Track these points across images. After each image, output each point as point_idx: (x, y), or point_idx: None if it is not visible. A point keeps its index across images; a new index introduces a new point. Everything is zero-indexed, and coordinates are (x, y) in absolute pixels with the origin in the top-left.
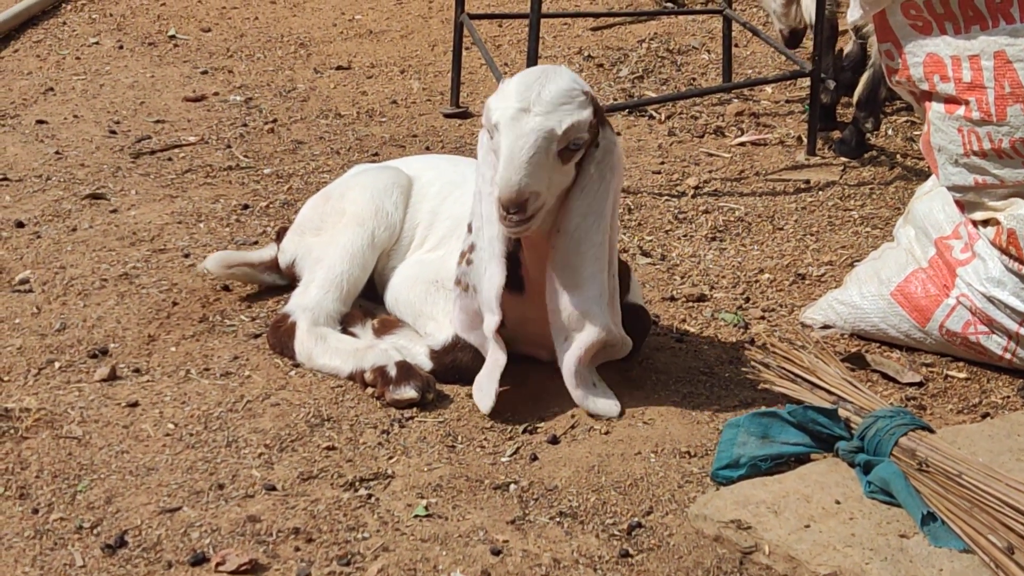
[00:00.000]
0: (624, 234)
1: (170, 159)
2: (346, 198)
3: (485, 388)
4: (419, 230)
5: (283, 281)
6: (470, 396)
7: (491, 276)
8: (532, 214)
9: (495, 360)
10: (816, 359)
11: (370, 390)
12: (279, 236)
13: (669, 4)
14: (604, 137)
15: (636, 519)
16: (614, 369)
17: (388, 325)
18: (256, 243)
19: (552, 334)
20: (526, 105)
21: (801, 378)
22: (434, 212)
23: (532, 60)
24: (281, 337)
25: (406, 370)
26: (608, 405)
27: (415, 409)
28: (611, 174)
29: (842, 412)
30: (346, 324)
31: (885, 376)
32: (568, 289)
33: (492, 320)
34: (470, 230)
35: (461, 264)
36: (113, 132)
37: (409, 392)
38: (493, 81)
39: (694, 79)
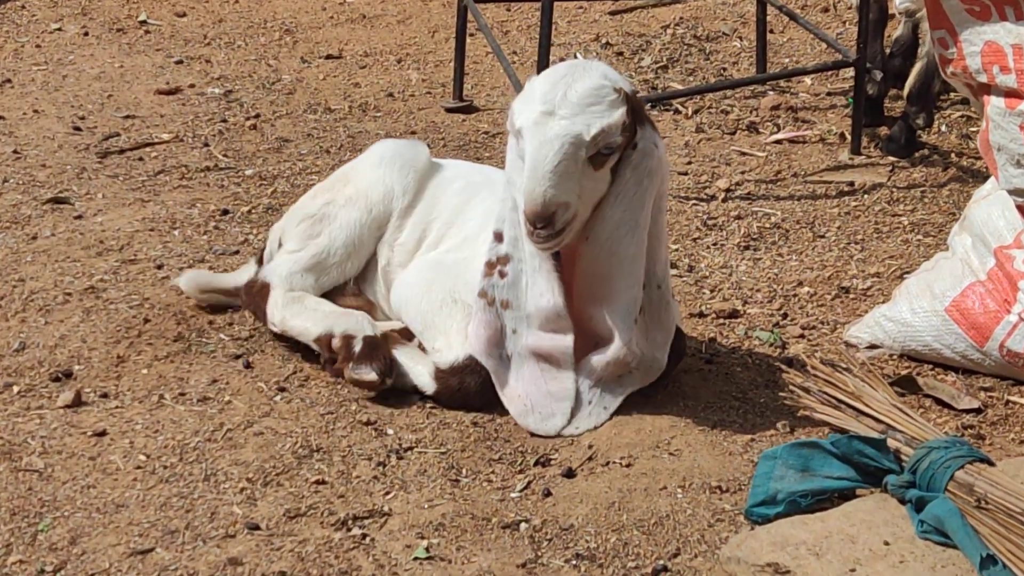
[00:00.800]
0: None
1: (141, 159)
2: (355, 167)
3: (552, 408)
4: (436, 226)
5: None
6: (475, 424)
7: (541, 292)
8: (563, 227)
9: (564, 388)
10: (862, 383)
11: (331, 366)
12: (262, 254)
13: None
14: (643, 138)
15: (661, 562)
16: (635, 393)
17: (389, 342)
18: (237, 252)
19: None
20: (550, 108)
21: (845, 404)
22: (458, 210)
23: (544, 48)
24: (255, 298)
25: (371, 348)
26: (581, 421)
27: (414, 439)
28: (649, 180)
29: (891, 442)
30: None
31: (939, 402)
32: (596, 301)
33: (565, 341)
34: (498, 239)
35: (491, 276)
36: (78, 129)
37: (369, 375)
38: (500, 72)
39: (724, 69)
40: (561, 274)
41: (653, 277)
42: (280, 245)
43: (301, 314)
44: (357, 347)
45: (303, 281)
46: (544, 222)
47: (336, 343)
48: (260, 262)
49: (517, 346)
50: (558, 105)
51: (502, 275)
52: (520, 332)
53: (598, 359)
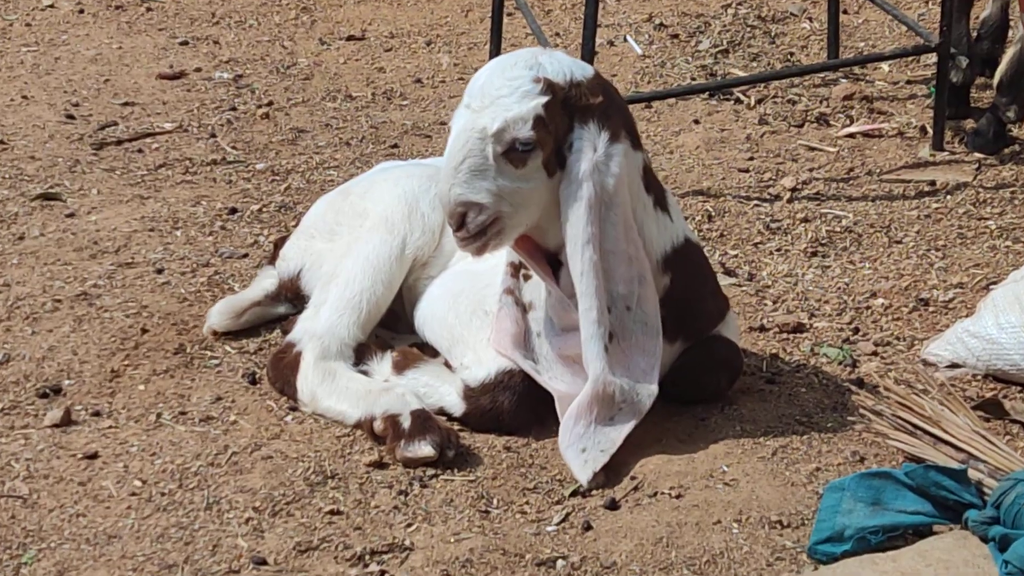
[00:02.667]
0: (703, 247)
1: (140, 151)
2: (370, 196)
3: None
4: None
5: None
6: (508, 449)
7: (549, 290)
8: (479, 231)
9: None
10: (941, 406)
11: (381, 445)
12: (274, 254)
13: None
14: (580, 138)
15: None
16: (686, 415)
17: (410, 359)
18: (246, 256)
19: None
20: (467, 100)
21: (922, 430)
22: None
23: (589, 30)
24: (283, 371)
25: (422, 421)
26: (577, 470)
27: (437, 467)
28: (581, 187)
29: (972, 473)
30: (358, 358)
31: None
32: (573, 326)
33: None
34: None
35: (515, 278)
36: (71, 117)
37: (424, 449)
38: None
39: (792, 54)
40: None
41: (617, 298)
42: (298, 273)
43: (334, 394)
44: (405, 424)
45: (343, 334)
46: (457, 224)
47: (379, 426)
48: (273, 257)
49: (543, 349)
50: (472, 97)
51: (526, 277)
52: (544, 336)
53: (579, 403)
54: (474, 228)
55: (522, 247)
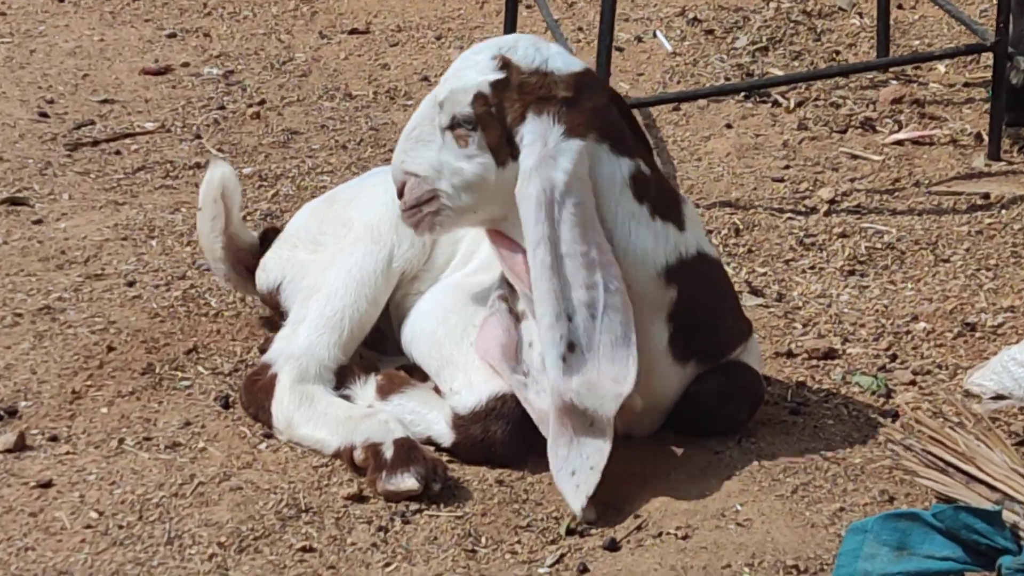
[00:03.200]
0: (728, 265)
1: (118, 152)
2: (356, 204)
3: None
4: (462, 248)
5: None
6: (500, 482)
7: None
8: (414, 205)
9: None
10: (977, 441)
11: (361, 477)
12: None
13: None
14: (531, 130)
15: None
16: (699, 448)
17: (396, 383)
18: None
19: None
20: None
21: (954, 467)
22: None
23: (606, 24)
24: (257, 395)
25: (407, 451)
26: (570, 497)
27: (425, 500)
28: (536, 184)
29: (1007, 515)
30: (340, 381)
31: None
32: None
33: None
34: None
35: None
36: (44, 115)
37: (408, 482)
38: None
39: (837, 52)
40: None
41: (579, 305)
42: (278, 286)
43: (312, 420)
44: (388, 454)
45: (323, 355)
46: (398, 193)
47: (359, 455)
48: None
49: (534, 362)
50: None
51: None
52: (536, 346)
53: (552, 420)
54: (410, 200)
55: (501, 243)
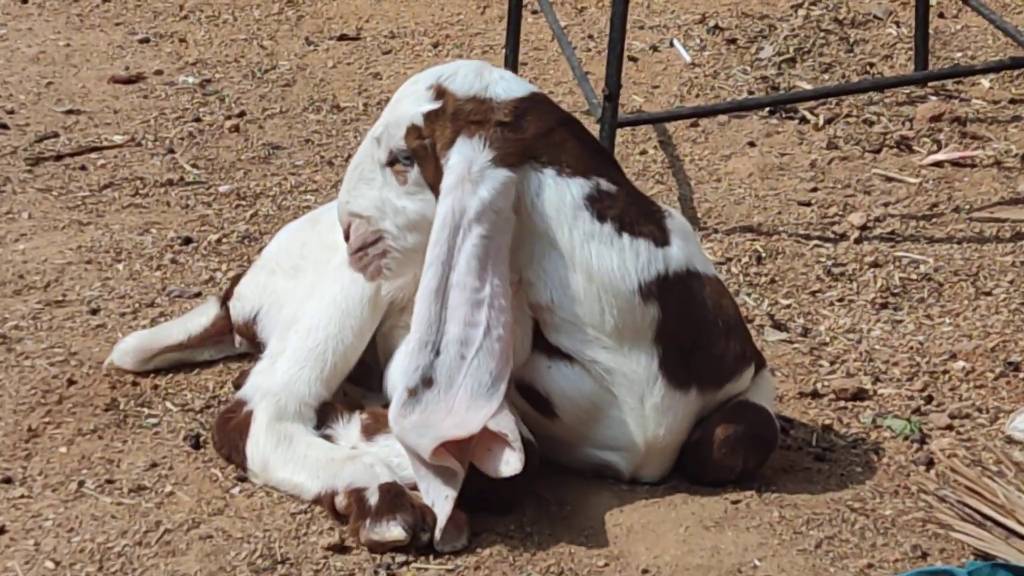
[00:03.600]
0: (749, 295)
1: (83, 168)
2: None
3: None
4: None
5: (228, 351)
6: (495, 531)
7: None
8: (360, 248)
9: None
10: (1018, 492)
11: (343, 525)
12: (229, 291)
13: None
14: (458, 151)
15: None
16: (715, 497)
17: (383, 422)
18: (199, 295)
19: None
20: None
21: (993, 520)
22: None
23: (617, 31)
24: (230, 434)
25: (393, 497)
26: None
27: (409, 554)
28: (446, 205)
29: None
30: (321, 420)
31: None
32: None
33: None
34: None
35: None
36: (4, 127)
37: (393, 531)
38: (566, 65)
39: (871, 65)
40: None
41: (450, 341)
42: (255, 316)
43: (290, 462)
44: (372, 500)
45: (303, 391)
46: (344, 235)
47: (341, 502)
48: (224, 301)
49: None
50: None
51: None
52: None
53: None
54: (355, 243)
55: None
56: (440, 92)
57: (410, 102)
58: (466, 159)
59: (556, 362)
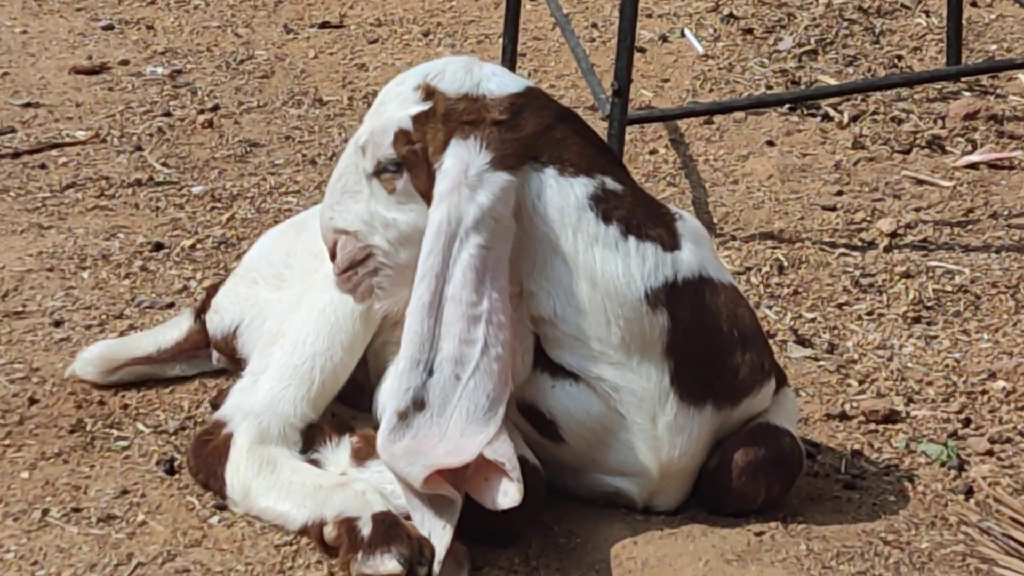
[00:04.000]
0: (770, 308)
1: (43, 166)
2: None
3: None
4: None
5: (203, 367)
6: (496, 565)
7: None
8: (348, 267)
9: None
10: None
11: (333, 558)
12: (205, 302)
13: None
14: (452, 155)
15: None
16: (738, 528)
17: (375, 446)
18: (171, 305)
19: None
20: None
21: None
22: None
23: (628, 20)
24: (208, 459)
25: (387, 528)
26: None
27: None
28: (441, 212)
29: None
30: (308, 443)
31: None
32: None
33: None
34: None
35: None
36: None
37: (388, 564)
38: (569, 55)
39: (900, 58)
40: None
41: (444, 360)
42: (235, 330)
43: (274, 489)
44: (365, 531)
45: (287, 412)
46: (332, 256)
47: (331, 532)
48: (200, 313)
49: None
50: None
51: None
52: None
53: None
54: (343, 262)
55: None
56: (429, 92)
57: (396, 105)
58: (462, 162)
59: (560, 381)
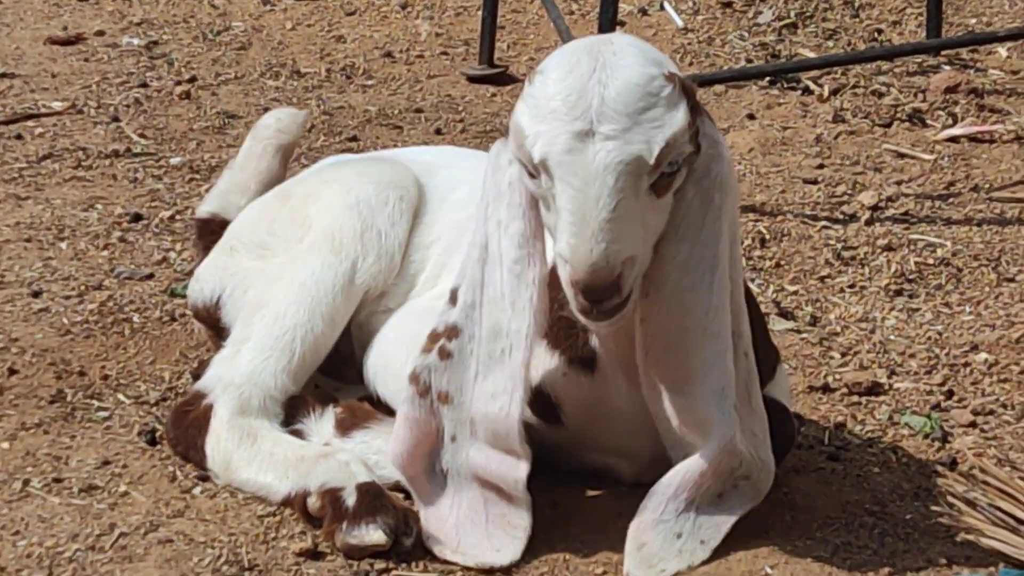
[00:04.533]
0: (752, 281)
1: (19, 137)
2: (314, 203)
3: (497, 543)
4: (433, 257)
5: None
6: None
7: (494, 393)
8: (629, 292)
9: (515, 524)
10: None
11: (316, 529)
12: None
13: None
14: (704, 136)
15: None
16: None
17: (359, 417)
18: (151, 276)
19: (664, 440)
20: (587, 124)
21: None
22: (463, 227)
23: None
24: (188, 430)
25: (372, 499)
26: (664, 562)
27: (390, 560)
28: (720, 194)
29: None
30: (291, 415)
31: None
32: (672, 382)
33: (518, 471)
34: (452, 301)
35: (430, 352)
36: None
37: (373, 535)
38: (549, 26)
39: (880, 31)
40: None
41: (740, 340)
42: (217, 300)
43: (255, 461)
44: (349, 501)
45: (268, 383)
46: (608, 291)
47: (314, 503)
48: None
49: (456, 461)
50: (597, 118)
51: (444, 354)
52: (461, 442)
53: (688, 471)
54: (628, 289)
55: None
56: (678, 82)
57: (670, 106)
58: (714, 139)
59: (573, 369)
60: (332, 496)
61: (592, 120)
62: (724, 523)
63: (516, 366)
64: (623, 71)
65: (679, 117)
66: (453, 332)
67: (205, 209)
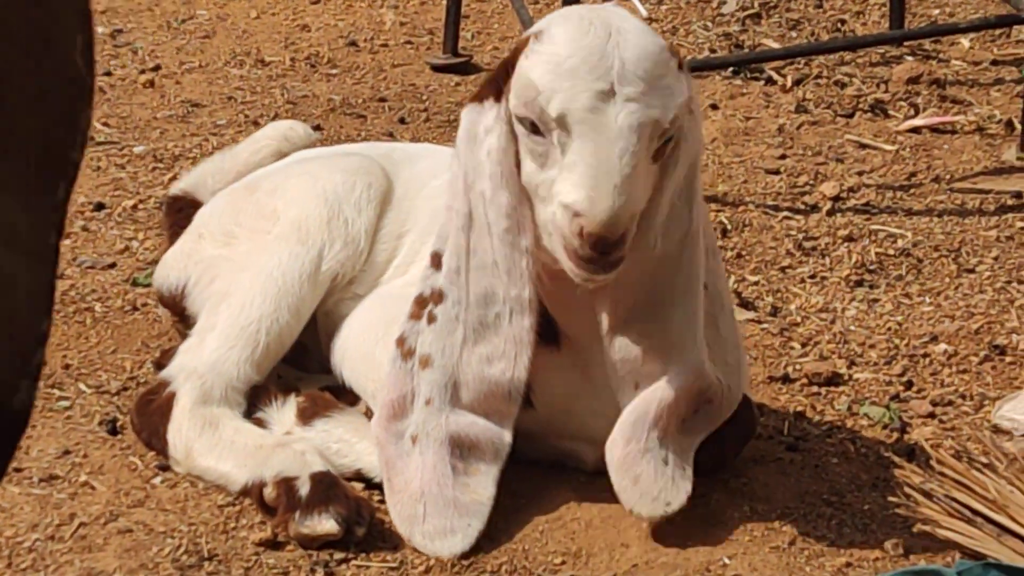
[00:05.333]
0: None
1: None
2: (281, 194)
3: (452, 524)
4: (406, 245)
5: None
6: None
7: (493, 357)
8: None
9: (477, 500)
10: (1010, 487)
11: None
12: None
13: None
14: (693, 109)
15: None
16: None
17: (320, 406)
18: (113, 265)
19: (616, 390)
20: (607, 84)
21: (983, 516)
22: (437, 215)
23: None
24: (151, 418)
25: (325, 488)
26: (679, 500)
27: (353, 547)
28: (691, 142)
29: None
30: (253, 404)
31: None
32: (648, 307)
33: (504, 435)
34: (436, 264)
35: (419, 318)
36: None
37: (325, 524)
38: (514, 17)
39: (843, 22)
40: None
41: (705, 272)
42: (183, 289)
43: (215, 449)
44: (303, 491)
45: (231, 373)
46: (617, 244)
47: (270, 493)
48: None
49: (428, 425)
50: (619, 80)
51: (431, 319)
52: (436, 405)
53: (662, 397)
54: (628, 243)
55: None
56: (676, 53)
57: (676, 79)
58: (695, 99)
59: (540, 345)
60: (287, 485)
61: (613, 81)
62: (690, 447)
63: (522, 330)
64: (637, 38)
65: (685, 87)
66: (439, 297)
67: (179, 186)
